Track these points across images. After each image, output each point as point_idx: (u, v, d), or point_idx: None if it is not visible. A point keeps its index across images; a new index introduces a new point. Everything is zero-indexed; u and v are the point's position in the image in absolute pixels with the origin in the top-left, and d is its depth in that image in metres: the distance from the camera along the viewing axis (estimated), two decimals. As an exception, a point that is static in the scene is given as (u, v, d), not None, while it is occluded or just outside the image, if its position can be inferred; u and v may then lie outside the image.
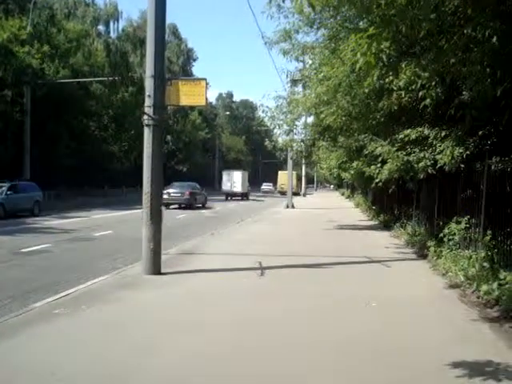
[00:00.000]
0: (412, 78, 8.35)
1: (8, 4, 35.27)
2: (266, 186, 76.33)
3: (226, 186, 50.95)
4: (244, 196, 50.65)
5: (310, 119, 18.72)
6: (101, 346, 5.07)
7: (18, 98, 32.03)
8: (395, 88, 9.57)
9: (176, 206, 30.77)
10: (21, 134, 31.28)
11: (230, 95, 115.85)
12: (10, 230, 16.22)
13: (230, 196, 49.39)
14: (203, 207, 32.94)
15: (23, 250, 12.08)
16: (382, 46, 5.08)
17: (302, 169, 53.15)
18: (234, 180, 50.81)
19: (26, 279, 8.79)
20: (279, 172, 57.41)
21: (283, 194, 45.59)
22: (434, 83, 8.02)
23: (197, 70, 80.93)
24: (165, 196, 24.99)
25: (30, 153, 31.62)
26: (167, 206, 27.82)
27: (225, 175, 51.94)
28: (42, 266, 10.28)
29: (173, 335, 5.44)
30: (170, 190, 30.52)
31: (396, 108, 10.20)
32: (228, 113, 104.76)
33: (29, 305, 6.75)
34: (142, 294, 7.45)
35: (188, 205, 30.99)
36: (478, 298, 7.07)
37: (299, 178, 56.94)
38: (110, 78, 39.82)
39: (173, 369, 4.48)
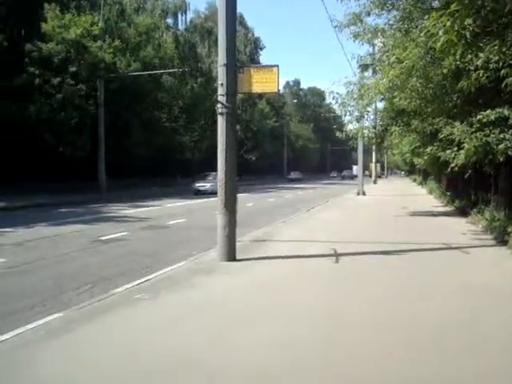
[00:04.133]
0: (491, 56, 8.03)
1: (80, 1, 36.74)
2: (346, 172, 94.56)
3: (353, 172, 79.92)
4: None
5: (381, 105, 18.36)
6: (178, 330, 5.12)
7: (92, 92, 33.23)
8: (472, 68, 9.25)
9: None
10: (96, 127, 32.46)
11: (297, 83, 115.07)
12: (87, 219, 16.98)
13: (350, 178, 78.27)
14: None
15: (102, 238, 12.46)
16: (466, 23, 4.89)
17: (372, 155, 52.95)
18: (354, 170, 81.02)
19: (105, 265, 9.07)
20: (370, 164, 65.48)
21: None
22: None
23: (264, 58, 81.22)
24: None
25: (105, 144, 32.91)
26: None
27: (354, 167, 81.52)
28: (120, 253, 10.57)
29: (250, 321, 5.45)
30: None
31: (474, 89, 9.83)
32: (296, 101, 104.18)
33: (110, 290, 6.90)
34: (219, 280, 7.52)
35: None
36: None
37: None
38: (180, 70, 40.55)
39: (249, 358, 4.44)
